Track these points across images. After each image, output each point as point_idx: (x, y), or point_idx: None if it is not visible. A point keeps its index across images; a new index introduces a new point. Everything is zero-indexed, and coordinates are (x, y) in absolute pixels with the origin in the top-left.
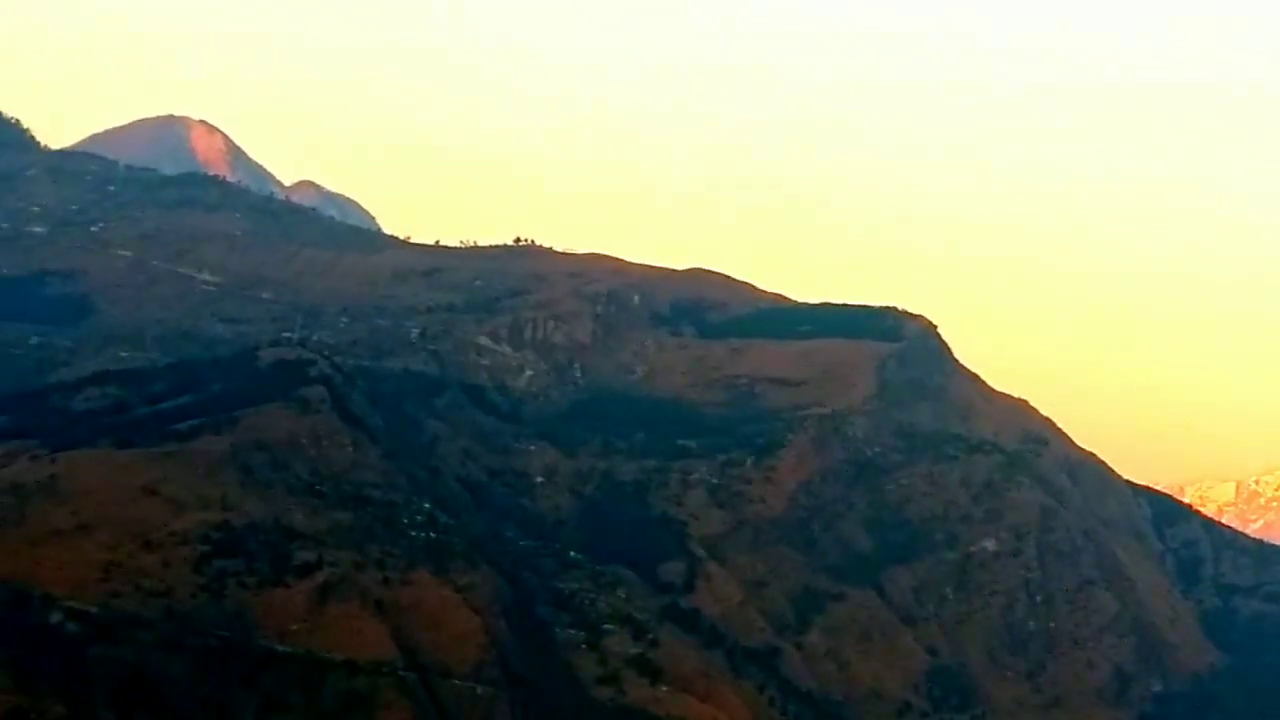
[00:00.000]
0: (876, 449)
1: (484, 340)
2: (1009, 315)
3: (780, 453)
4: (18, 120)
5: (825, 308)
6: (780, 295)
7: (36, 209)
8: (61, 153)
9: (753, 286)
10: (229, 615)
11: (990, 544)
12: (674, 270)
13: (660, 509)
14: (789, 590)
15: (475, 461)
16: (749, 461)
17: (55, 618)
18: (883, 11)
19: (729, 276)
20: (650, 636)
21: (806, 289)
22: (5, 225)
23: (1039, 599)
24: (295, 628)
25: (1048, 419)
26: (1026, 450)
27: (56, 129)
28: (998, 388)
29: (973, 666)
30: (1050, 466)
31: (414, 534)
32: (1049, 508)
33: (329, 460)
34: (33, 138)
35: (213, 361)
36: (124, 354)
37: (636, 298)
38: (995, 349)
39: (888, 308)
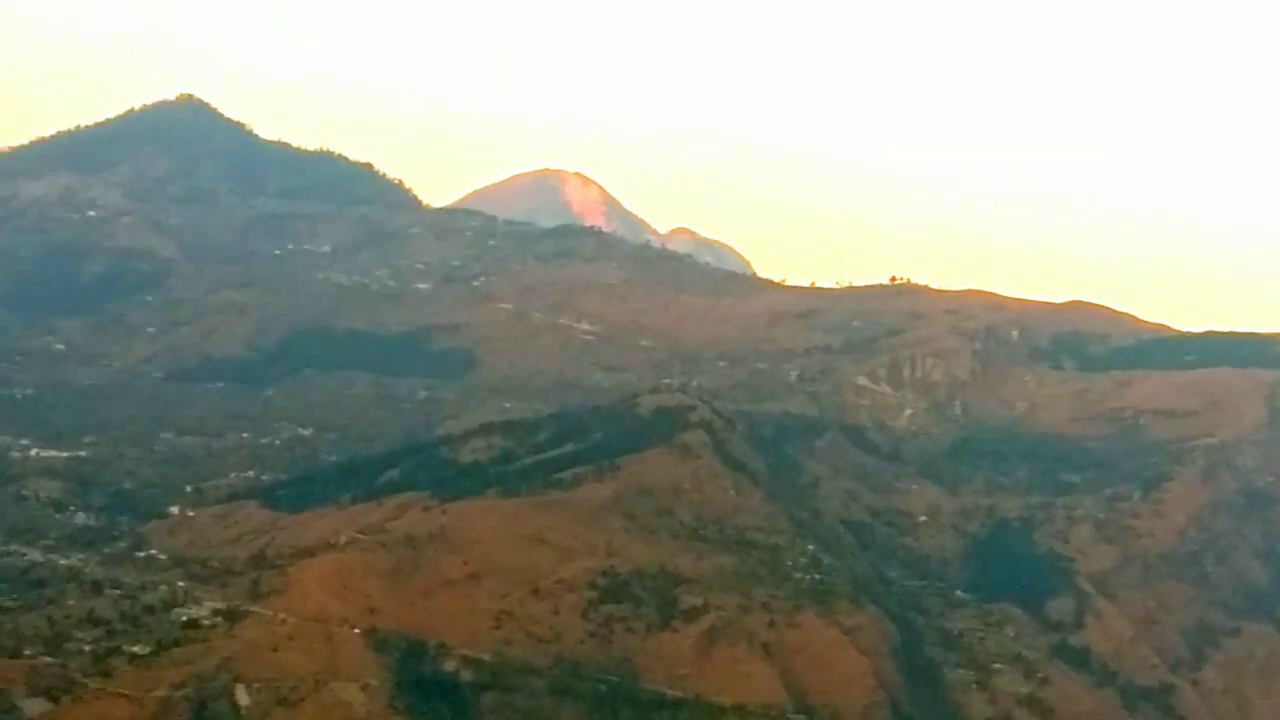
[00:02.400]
0: (1269, 479)
1: (862, 380)
2: None
3: (1168, 485)
4: (401, 181)
5: (1210, 336)
6: (1163, 325)
7: (420, 266)
8: (443, 211)
9: (1134, 317)
10: (617, 660)
11: None
12: (1052, 304)
13: (1046, 545)
14: (1181, 626)
15: (857, 502)
16: (1136, 495)
17: (450, 666)
18: None
19: (1109, 308)
20: (1041, 675)
21: (1190, 318)
22: (392, 283)
23: None
24: (683, 672)
25: None
26: None
27: (437, 188)
28: None
29: None
30: None
31: (798, 576)
32: None
33: (712, 504)
34: (415, 198)
35: (594, 409)
36: (508, 404)
37: (1015, 332)
38: None
39: (1277, 334)
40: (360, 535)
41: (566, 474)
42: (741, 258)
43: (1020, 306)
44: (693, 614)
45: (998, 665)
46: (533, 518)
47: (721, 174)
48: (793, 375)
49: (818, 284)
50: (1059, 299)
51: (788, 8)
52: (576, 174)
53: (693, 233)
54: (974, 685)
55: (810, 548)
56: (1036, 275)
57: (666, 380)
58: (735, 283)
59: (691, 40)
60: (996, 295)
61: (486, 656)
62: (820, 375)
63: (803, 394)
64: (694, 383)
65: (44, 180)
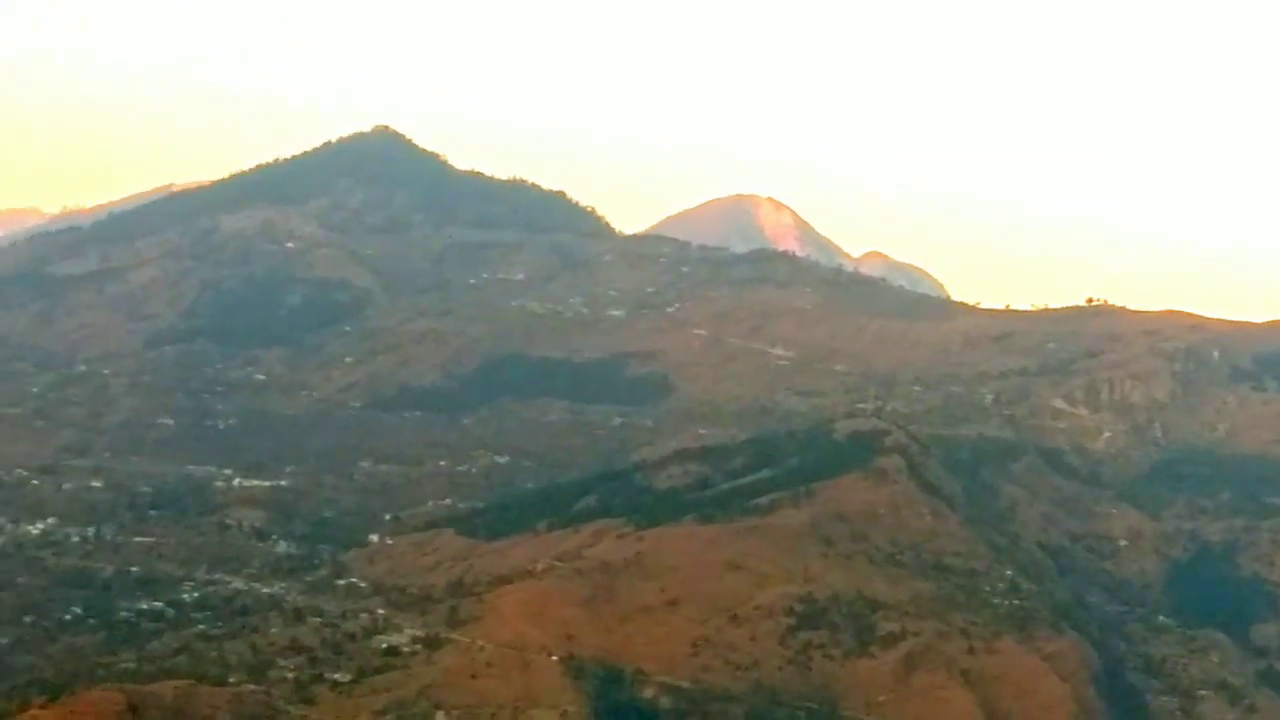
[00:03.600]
0: None
1: (1059, 403)
2: None
3: None
4: (593, 209)
5: None
6: None
7: (614, 293)
8: (636, 238)
9: None
10: (815, 687)
11: None
12: (1255, 324)
13: (1251, 569)
14: None
15: (1055, 526)
16: None
17: (648, 693)
18: None
19: None
20: (1247, 701)
21: None
22: (586, 310)
23: None
24: (882, 699)
25: None
26: None
27: (630, 215)
28: None
29: None
30: None
31: (996, 601)
32: None
33: (908, 529)
34: (608, 225)
35: (789, 435)
36: (703, 430)
37: (1216, 353)
38: None
39: None
40: (557, 562)
41: (762, 499)
42: (935, 281)
43: (1221, 326)
44: (890, 640)
45: (1202, 692)
46: (729, 543)
47: (914, 198)
48: (988, 399)
49: (1012, 306)
50: (1261, 318)
51: (971, 38)
52: (769, 199)
53: (885, 256)
54: (1178, 712)
55: (1008, 573)
56: (1237, 294)
57: (861, 405)
58: (929, 306)
59: (886, 67)
60: (1196, 315)
61: (684, 683)
62: (1016, 398)
63: (998, 417)
64: (889, 407)
65: (244, 213)
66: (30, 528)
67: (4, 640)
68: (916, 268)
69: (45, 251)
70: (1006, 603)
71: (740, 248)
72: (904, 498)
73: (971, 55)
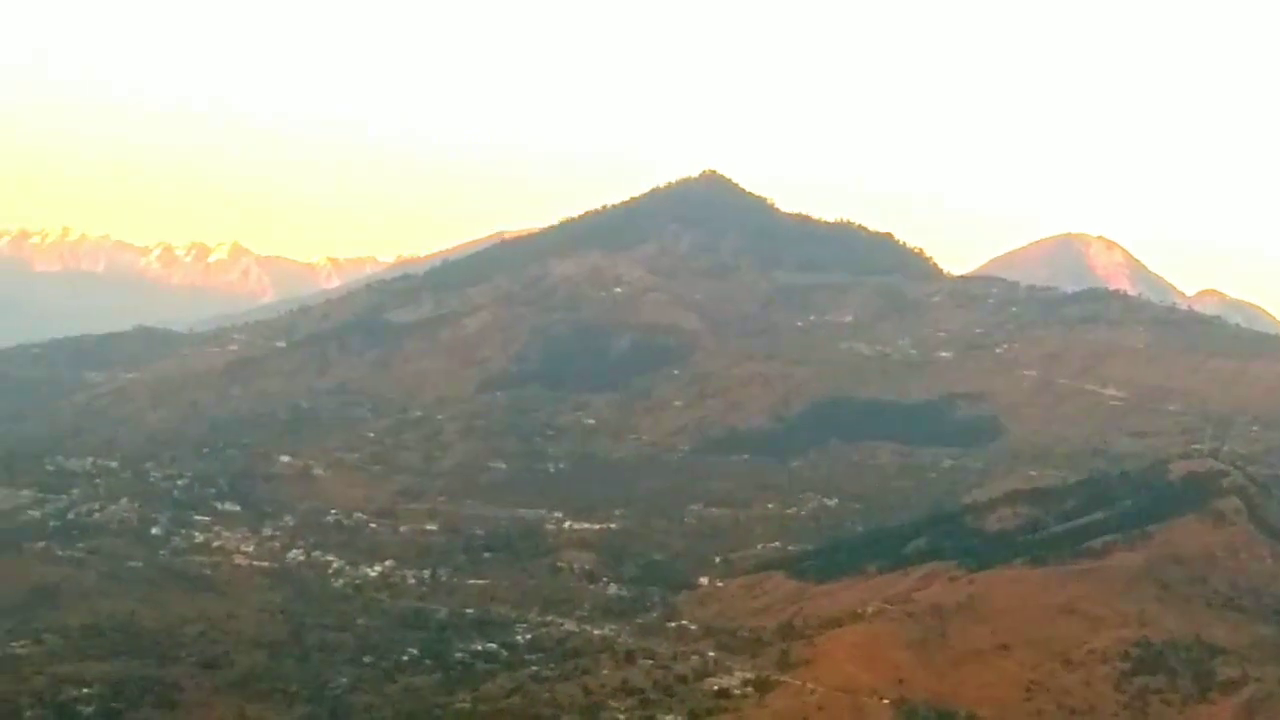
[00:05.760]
0: None
1: None
2: None
3: None
4: (921, 250)
5: None
6: None
7: (943, 334)
8: (963, 278)
9: None
10: None
11: None
12: None
13: None
14: None
15: None
16: None
17: None
18: None
19: None
20: None
21: None
22: (914, 352)
23: None
24: None
25: None
26: None
27: (958, 257)
28: None
29: None
30: None
31: None
32: None
33: (1248, 573)
34: (936, 266)
35: (1122, 476)
36: (1033, 472)
37: None
38: None
39: None
40: (887, 605)
41: (1095, 542)
42: (1274, 319)
43: None
44: (1231, 686)
45: None
46: (1062, 587)
47: (1249, 235)
48: None
49: None
50: None
51: None
52: (1099, 238)
53: (1221, 294)
54: None
55: None
56: None
57: (1196, 446)
58: (1268, 344)
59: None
60: None
61: None
62: None
63: None
64: (1225, 447)
65: (573, 259)
66: (369, 570)
67: (344, 680)
68: (1254, 305)
69: (382, 299)
70: None
71: (1070, 287)
72: (1243, 540)
73: None
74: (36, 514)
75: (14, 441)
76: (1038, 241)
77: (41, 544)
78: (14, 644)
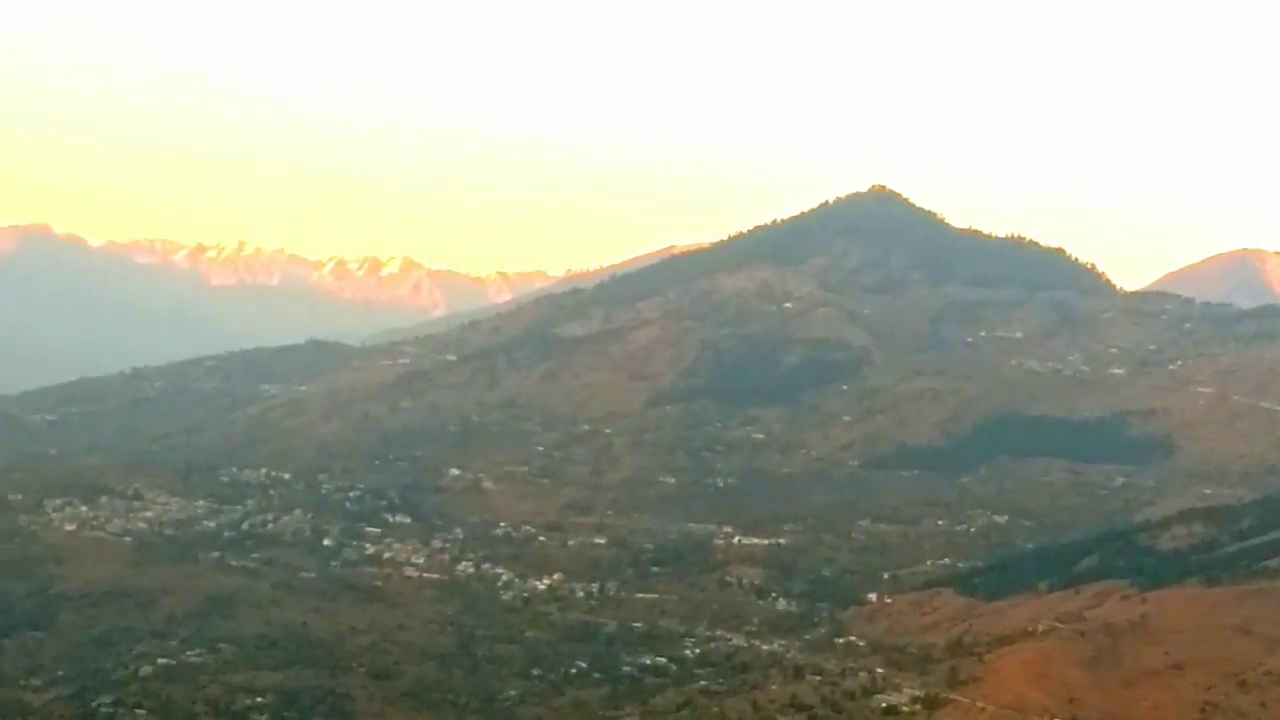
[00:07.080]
0: None
1: None
2: None
3: None
4: (1093, 265)
5: None
6: None
7: (1115, 351)
8: (1137, 294)
9: None
10: None
11: None
12: None
13: None
14: None
15: None
16: None
17: None
18: None
19: None
20: None
21: None
22: (1085, 368)
23: None
24: None
25: None
26: None
27: (1131, 272)
28: None
29: None
30: None
31: None
32: None
33: None
34: (1109, 282)
35: None
36: (1208, 491)
37: None
38: None
39: None
40: (1058, 624)
41: (1272, 562)
42: None
43: None
44: None
45: None
46: (1237, 607)
47: None
48: None
49: None
50: None
51: None
52: (1277, 253)
53: None
54: None
55: None
56: None
57: None
58: None
59: None
60: None
61: None
62: None
63: None
64: None
65: (742, 274)
66: (537, 583)
67: (514, 692)
68: None
69: (551, 313)
70: None
71: (1245, 304)
72: None
73: None
74: (212, 524)
75: (190, 453)
76: (1212, 257)
77: (216, 554)
78: (189, 652)
